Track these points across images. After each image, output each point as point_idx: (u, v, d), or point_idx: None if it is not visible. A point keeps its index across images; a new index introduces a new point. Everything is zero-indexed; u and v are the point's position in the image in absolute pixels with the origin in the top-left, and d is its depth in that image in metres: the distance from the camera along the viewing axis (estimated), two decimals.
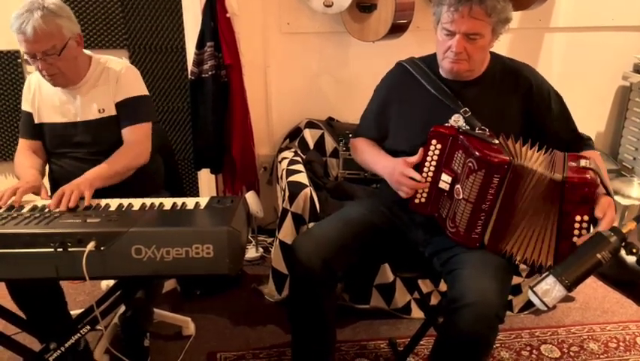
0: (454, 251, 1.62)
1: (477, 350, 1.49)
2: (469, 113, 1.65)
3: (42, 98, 1.90)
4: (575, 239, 1.50)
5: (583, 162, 1.52)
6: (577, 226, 1.49)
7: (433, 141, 1.62)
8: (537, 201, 1.52)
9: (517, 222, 1.55)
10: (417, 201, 1.68)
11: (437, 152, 1.62)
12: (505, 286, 1.56)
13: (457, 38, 1.59)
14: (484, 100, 1.70)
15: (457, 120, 1.67)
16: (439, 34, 1.67)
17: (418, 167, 1.66)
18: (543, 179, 1.50)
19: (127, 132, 1.88)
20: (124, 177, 1.82)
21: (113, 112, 1.88)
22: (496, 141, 1.56)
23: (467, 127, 1.64)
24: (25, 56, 1.73)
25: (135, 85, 1.93)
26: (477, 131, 1.60)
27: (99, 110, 1.87)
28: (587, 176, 1.47)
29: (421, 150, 1.65)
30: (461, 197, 1.56)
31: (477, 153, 1.51)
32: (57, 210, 1.54)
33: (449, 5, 1.59)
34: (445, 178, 1.61)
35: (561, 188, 1.48)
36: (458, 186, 1.57)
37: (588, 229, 1.49)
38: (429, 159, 1.64)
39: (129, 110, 1.89)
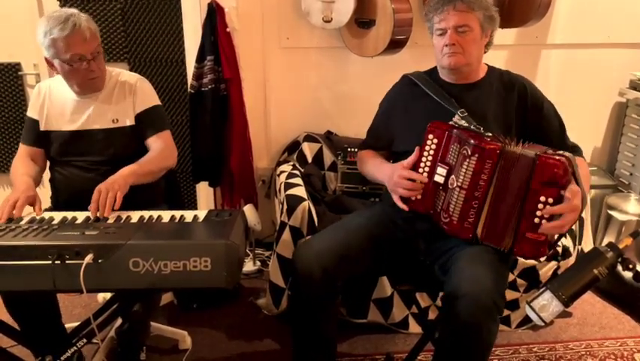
0: (452, 252, 1.65)
1: (478, 340, 1.48)
2: (466, 114, 1.72)
3: (52, 105, 1.90)
4: (536, 220, 1.52)
5: (560, 152, 1.55)
6: (540, 206, 1.51)
7: (430, 136, 1.69)
8: (511, 181, 1.56)
9: (504, 209, 1.58)
10: (413, 198, 1.71)
11: (434, 146, 1.68)
12: (499, 275, 1.59)
13: (449, 33, 1.73)
14: (482, 103, 1.78)
15: (456, 122, 1.73)
16: (434, 40, 1.79)
17: (415, 165, 1.71)
18: (518, 157, 1.54)
19: (153, 140, 1.91)
20: (155, 177, 1.86)
21: (127, 123, 1.89)
22: (489, 134, 1.62)
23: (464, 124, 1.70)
24: (72, 63, 1.73)
25: (151, 95, 1.97)
26: (472, 127, 1.67)
27: (113, 120, 1.89)
28: (560, 158, 1.50)
29: (417, 148, 1.71)
30: (455, 185, 1.61)
31: (471, 140, 1.58)
32: (101, 216, 1.57)
33: (436, 9, 1.76)
34: (440, 171, 1.66)
35: (532, 165, 1.52)
36: (453, 176, 1.63)
37: (550, 216, 1.51)
38: (425, 154, 1.70)
39: (151, 120, 1.92)
